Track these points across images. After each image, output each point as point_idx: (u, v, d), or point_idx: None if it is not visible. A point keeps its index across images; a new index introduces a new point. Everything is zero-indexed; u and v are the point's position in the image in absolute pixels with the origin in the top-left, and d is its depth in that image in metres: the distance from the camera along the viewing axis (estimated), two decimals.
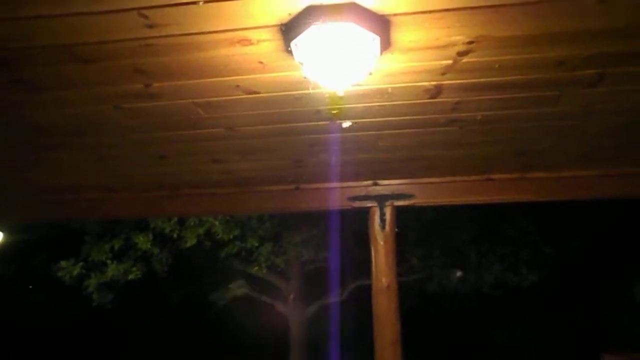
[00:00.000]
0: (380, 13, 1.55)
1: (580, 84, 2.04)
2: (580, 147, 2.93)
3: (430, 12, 1.55)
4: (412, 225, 9.16)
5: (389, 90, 2.10)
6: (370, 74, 1.91)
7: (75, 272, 8.61)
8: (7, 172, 3.30)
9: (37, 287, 11.48)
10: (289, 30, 1.61)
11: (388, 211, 3.43)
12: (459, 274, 10.21)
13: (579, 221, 9.80)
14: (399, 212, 3.48)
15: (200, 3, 1.49)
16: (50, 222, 8.62)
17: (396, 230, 3.44)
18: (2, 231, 4.85)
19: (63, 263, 8.66)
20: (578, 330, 11.67)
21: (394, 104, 2.25)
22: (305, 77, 1.89)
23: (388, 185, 3.48)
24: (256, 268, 9.68)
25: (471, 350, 12.38)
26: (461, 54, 1.80)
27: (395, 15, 1.56)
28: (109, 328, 12.33)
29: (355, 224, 7.62)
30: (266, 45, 1.72)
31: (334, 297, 10.57)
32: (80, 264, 8.68)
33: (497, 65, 1.89)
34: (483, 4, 1.51)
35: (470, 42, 1.73)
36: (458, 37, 1.70)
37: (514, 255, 10.00)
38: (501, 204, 3.68)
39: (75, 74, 1.93)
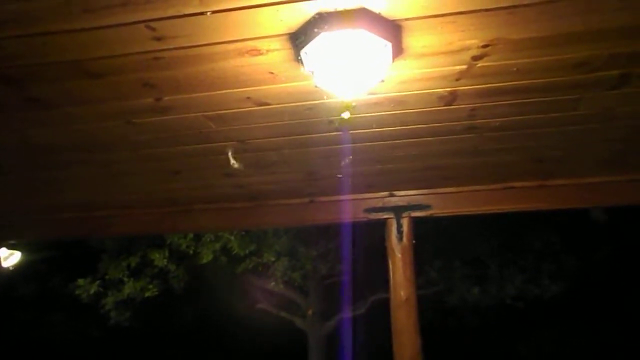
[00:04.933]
0: (392, 18, 1.52)
1: (601, 86, 1.97)
2: (603, 152, 2.84)
3: (443, 15, 1.51)
4: (430, 236, 9.05)
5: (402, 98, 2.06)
6: (383, 81, 1.87)
7: (92, 290, 8.64)
8: (20, 191, 3.32)
9: (56, 306, 11.54)
10: (298, 38, 1.58)
11: (405, 222, 3.36)
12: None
13: (604, 230, 9.56)
14: (416, 223, 3.41)
15: (208, 13, 1.47)
16: (67, 241, 8.69)
17: (414, 242, 3.37)
18: (20, 250, 4.89)
19: (80, 281, 8.70)
20: (605, 343, 11.36)
21: (408, 112, 2.20)
22: (316, 87, 1.86)
23: (404, 196, 3.41)
24: (273, 283, 9.63)
25: None
26: (476, 58, 1.76)
27: (406, 20, 1.53)
28: (126, 346, 12.31)
29: (372, 236, 7.54)
30: (276, 55, 1.70)
31: (353, 311, 10.46)
32: (98, 282, 8.72)
33: (514, 69, 1.83)
34: (497, 5, 1.47)
35: (485, 46, 1.68)
36: (472, 41, 1.65)
37: (535, 266, 9.81)
38: (521, 213, 3.58)
39: (85, 89, 1.93)
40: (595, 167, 3.11)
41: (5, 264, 4.68)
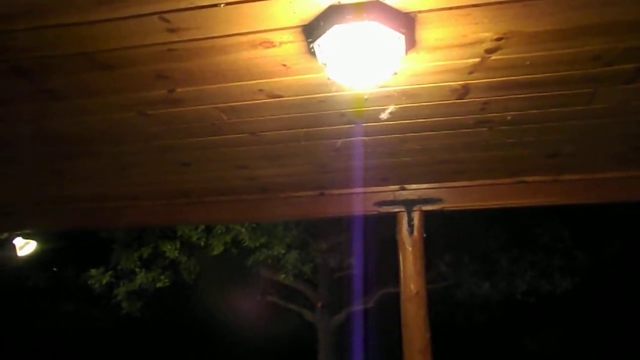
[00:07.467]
0: (405, 10, 1.51)
1: (616, 79, 1.95)
2: (617, 147, 2.81)
3: (457, 8, 1.50)
4: (440, 230, 9.01)
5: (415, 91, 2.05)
6: (395, 74, 1.87)
7: (104, 281, 8.74)
8: (33, 181, 3.35)
9: (68, 296, 11.67)
10: (311, 31, 1.58)
11: (416, 216, 3.35)
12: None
13: (615, 225, 9.47)
14: (427, 217, 3.40)
15: (222, 5, 1.47)
16: (80, 231, 8.77)
17: (424, 235, 3.36)
18: (35, 240, 4.94)
19: (93, 271, 8.80)
20: (616, 339, 11.29)
21: (420, 105, 2.19)
22: (329, 79, 1.85)
23: (415, 189, 3.40)
24: (283, 276, 9.66)
25: (502, 359, 12.09)
26: (489, 51, 1.74)
27: (420, 12, 1.52)
28: (138, 336, 12.44)
29: (382, 229, 7.54)
30: (289, 47, 1.69)
31: (362, 305, 10.48)
32: (110, 272, 8.80)
33: (527, 62, 1.82)
34: None
35: (499, 39, 1.67)
36: (486, 34, 1.64)
37: (546, 261, 9.74)
38: (533, 208, 3.55)
39: (98, 81, 1.93)
40: (610, 162, 3.08)
41: (20, 253, 4.73)
